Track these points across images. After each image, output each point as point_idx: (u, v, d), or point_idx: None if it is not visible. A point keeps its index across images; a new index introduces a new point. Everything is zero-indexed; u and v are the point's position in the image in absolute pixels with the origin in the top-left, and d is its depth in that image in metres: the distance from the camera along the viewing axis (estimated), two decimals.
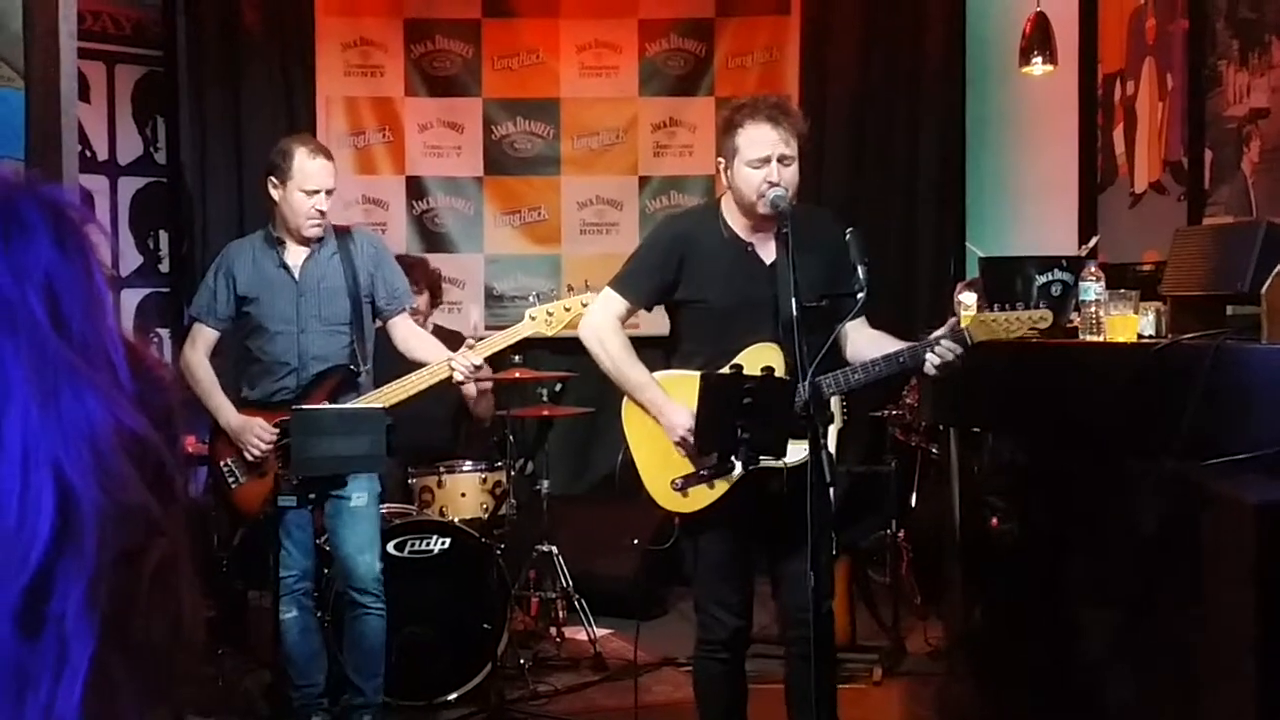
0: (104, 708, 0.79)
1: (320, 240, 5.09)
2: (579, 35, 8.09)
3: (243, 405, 5.08)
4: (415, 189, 8.06)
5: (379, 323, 5.20)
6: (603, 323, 4.31)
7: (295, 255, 5.08)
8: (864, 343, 4.22)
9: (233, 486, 5.07)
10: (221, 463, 5.07)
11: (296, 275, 5.06)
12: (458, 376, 4.87)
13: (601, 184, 8.16)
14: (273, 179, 5.04)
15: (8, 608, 0.76)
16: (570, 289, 4.91)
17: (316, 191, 4.99)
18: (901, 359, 4.10)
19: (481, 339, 5.01)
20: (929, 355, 4.05)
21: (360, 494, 5.02)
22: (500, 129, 8.09)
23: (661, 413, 4.18)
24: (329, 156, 5.09)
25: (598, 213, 8.16)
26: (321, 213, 5.01)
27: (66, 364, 0.80)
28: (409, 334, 5.18)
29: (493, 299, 8.08)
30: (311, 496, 4.72)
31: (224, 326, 5.13)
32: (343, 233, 5.18)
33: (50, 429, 0.78)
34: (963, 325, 4.09)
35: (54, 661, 0.77)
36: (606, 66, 8.12)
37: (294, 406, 4.77)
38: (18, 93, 3.55)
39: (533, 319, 4.84)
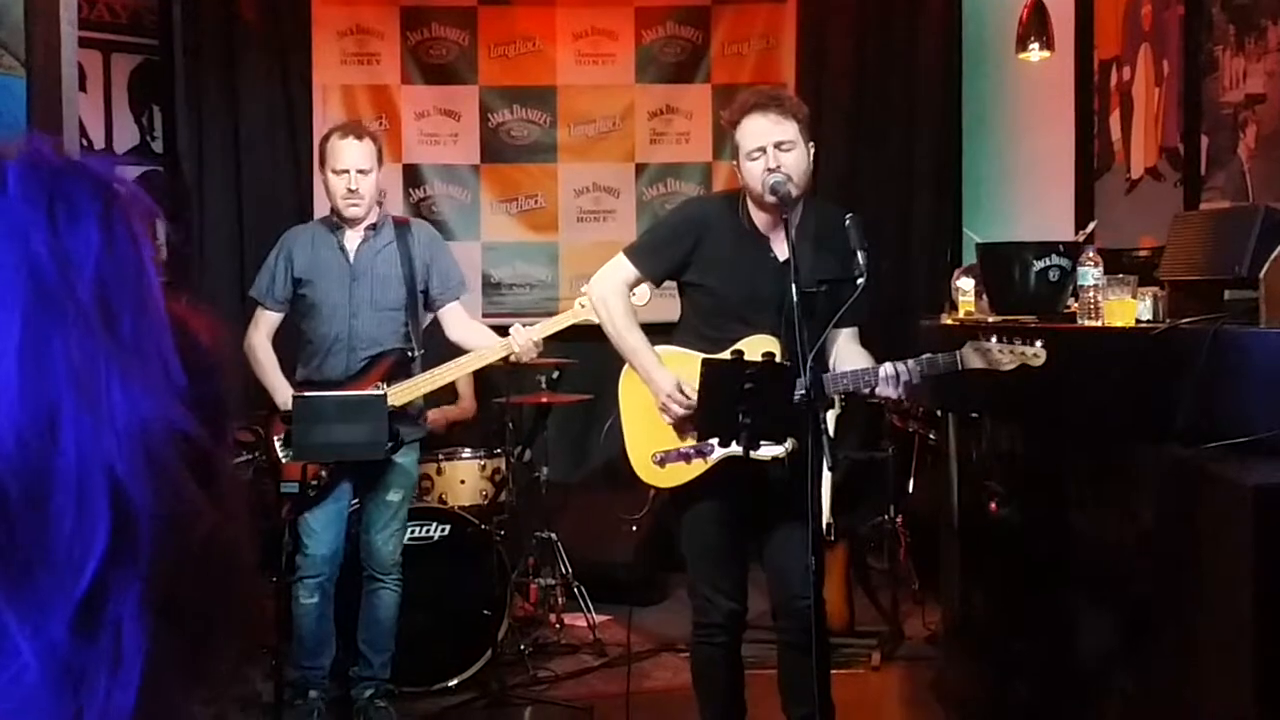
0: (156, 698, 0.79)
1: (375, 226, 5.22)
2: (575, 23, 8.09)
3: (296, 386, 5.18)
4: (412, 177, 8.06)
5: (430, 313, 5.33)
6: (610, 285, 4.37)
7: (352, 240, 5.22)
8: (849, 356, 4.24)
9: (283, 460, 5.14)
10: (275, 437, 5.15)
11: (352, 259, 5.19)
12: (522, 355, 5.07)
13: (598, 171, 8.16)
14: (320, 165, 5.23)
15: (63, 615, 0.75)
16: None
17: (345, 171, 5.11)
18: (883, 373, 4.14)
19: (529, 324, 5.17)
20: (884, 366, 4.07)
21: (398, 491, 5.22)
22: (497, 116, 8.09)
23: (650, 377, 4.23)
24: (360, 137, 5.19)
25: (595, 200, 8.16)
26: (353, 191, 5.11)
27: (118, 362, 0.77)
28: (461, 322, 5.33)
29: (490, 287, 8.09)
30: (314, 484, 4.90)
31: (282, 308, 5.28)
32: (401, 224, 5.34)
33: (104, 433, 0.75)
34: (958, 351, 4.08)
35: (110, 662, 0.76)
36: (603, 54, 8.12)
37: (294, 394, 4.88)
38: (20, 80, 3.55)
39: (583, 306, 5.02)
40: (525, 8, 8.07)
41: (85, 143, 7.10)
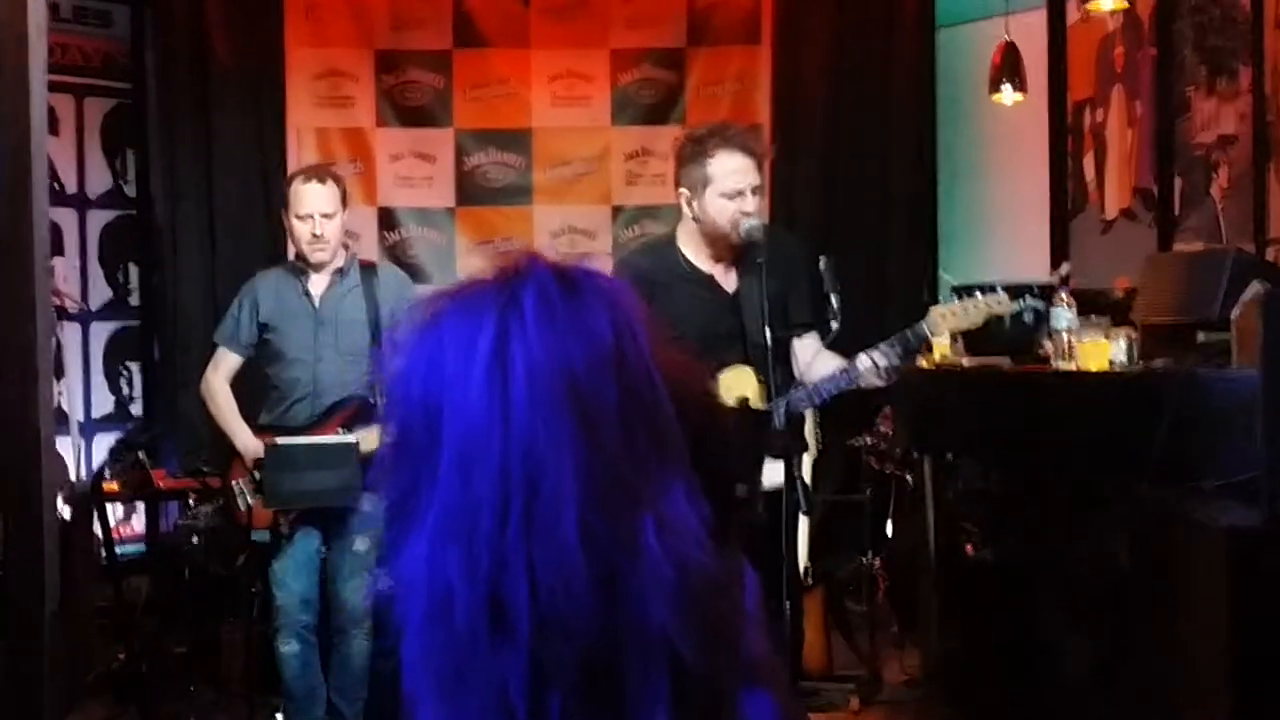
0: None
1: (342, 270, 5.15)
2: (550, 65, 8.09)
3: (257, 430, 5.09)
4: (387, 220, 8.03)
5: None
6: None
7: (317, 285, 5.14)
8: (814, 358, 4.21)
9: (241, 509, 5.07)
10: (233, 483, 5.07)
11: (317, 304, 5.11)
12: None
13: (574, 214, 8.14)
14: (284, 210, 5.15)
15: None
16: None
17: (309, 215, 5.02)
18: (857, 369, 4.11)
19: None
20: (860, 359, 4.04)
21: (364, 540, 4.99)
22: (472, 159, 8.08)
23: None
24: (323, 180, 5.12)
25: (571, 242, 8.14)
26: (317, 236, 5.03)
27: (648, 500, 0.68)
28: None
29: None
30: (284, 530, 4.83)
31: (246, 353, 5.19)
32: (368, 267, 5.27)
33: (650, 589, 0.67)
34: (924, 320, 4.08)
35: None
36: (578, 96, 8.12)
37: (268, 441, 4.81)
38: None
39: None
40: (500, 51, 8.07)
41: (56, 187, 7.06)
